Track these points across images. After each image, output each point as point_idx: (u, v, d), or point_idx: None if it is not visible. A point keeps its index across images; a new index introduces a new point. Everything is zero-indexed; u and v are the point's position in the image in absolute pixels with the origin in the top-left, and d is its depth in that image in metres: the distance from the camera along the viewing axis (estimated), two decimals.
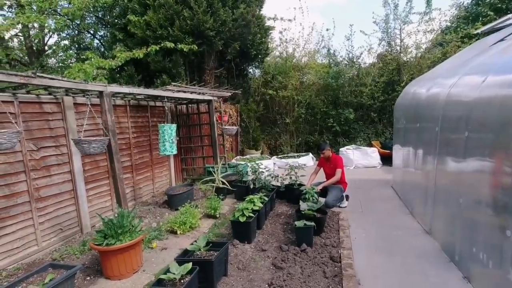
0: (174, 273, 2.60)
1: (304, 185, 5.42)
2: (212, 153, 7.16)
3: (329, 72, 10.97)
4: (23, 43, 8.96)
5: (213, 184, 5.90)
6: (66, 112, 4.23)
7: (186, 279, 2.64)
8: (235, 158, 9.50)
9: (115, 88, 4.20)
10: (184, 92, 6.06)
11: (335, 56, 11.39)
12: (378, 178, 7.49)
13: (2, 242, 3.47)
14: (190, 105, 7.38)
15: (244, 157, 9.77)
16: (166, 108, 5.93)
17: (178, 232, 4.36)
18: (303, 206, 4.20)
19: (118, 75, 8.53)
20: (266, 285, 3.02)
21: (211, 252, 3.18)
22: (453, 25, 10.64)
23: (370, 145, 9.91)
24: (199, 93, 6.55)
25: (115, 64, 6.85)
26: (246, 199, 4.36)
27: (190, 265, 2.71)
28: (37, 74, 3.03)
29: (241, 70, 11.09)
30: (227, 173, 6.78)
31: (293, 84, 11.09)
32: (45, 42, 9.22)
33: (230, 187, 5.85)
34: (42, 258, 3.76)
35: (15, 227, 3.61)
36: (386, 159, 8.46)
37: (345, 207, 5.33)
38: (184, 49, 7.59)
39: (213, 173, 6.04)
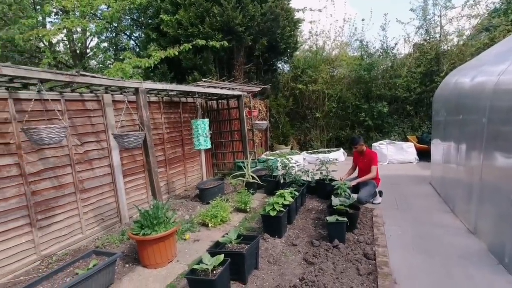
0: (206, 264, 2.66)
1: (336, 180, 5.29)
2: (242, 148, 7.23)
3: (362, 64, 10.54)
4: (68, 46, 9.65)
5: (243, 179, 5.95)
6: (106, 108, 4.48)
7: (218, 270, 2.69)
8: (265, 153, 9.51)
9: (149, 84, 4.38)
10: (215, 87, 6.16)
11: (367, 47, 10.92)
12: (414, 174, 7.11)
13: (53, 229, 3.79)
14: (220, 101, 7.49)
15: (274, 152, 9.75)
16: (198, 104, 6.06)
17: (210, 225, 4.47)
18: (335, 201, 4.10)
19: (152, 73, 8.89)
20: (297, 280, 3.00)
21: (242, 245, 3.21)
22: (502, 7, 9.68)
23: (405, 139, 9.42)
24: (229, 89, 6.62)
25: (152, 63, 7.17)
26: (276, 194, 4.35)
27: (222, 256, 2.76)
28: (80, 72, 3.23)
29: (270, 65, 11.03)
30: (257, 168, 6.81)
31: (323, 78, 10.82)
32: (87, 45, 9.84)
33: (260, 182, 5.87)
34: (86, 245, 4.06)
35: (63, 216, 3.92)
36: (423, 155, 8.00)
37: (379, 203, 5.13)
38: (216, 46, 7.71)
39: (243, 168, 6.09)
